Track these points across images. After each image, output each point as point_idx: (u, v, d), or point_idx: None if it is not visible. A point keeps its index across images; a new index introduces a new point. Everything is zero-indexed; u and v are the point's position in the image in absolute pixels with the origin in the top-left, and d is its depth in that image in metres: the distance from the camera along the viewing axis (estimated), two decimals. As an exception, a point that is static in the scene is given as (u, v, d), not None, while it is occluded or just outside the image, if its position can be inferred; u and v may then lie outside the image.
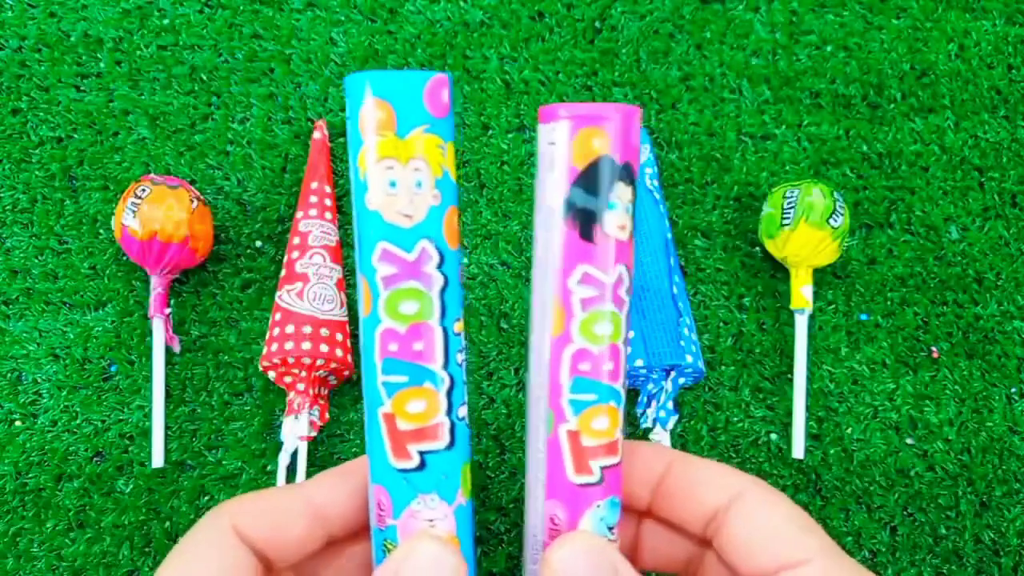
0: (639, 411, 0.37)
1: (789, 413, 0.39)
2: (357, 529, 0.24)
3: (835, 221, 0.37)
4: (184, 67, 0.43)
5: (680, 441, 0.39)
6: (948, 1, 0.44)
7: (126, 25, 0.43)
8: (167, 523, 0.38)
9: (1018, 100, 0.43)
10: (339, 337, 0.37)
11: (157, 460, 0.38)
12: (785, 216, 0.37)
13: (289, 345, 0.36)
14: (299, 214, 0.39)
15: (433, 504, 0.22)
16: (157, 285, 0.38)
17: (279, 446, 0.38)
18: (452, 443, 0.22)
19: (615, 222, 0.21)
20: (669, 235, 0.39)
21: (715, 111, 0.42)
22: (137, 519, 0.38)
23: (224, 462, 0.38)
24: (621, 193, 0.21)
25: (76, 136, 0.42)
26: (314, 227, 0.39)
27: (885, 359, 0.40)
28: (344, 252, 0.40)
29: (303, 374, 0.37)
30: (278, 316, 0.37)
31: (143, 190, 0.37)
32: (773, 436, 0.39)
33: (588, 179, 0.21)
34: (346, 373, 0.38)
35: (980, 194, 0.42)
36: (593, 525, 0.22)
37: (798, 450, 0.38)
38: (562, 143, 0.21)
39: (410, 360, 0.21)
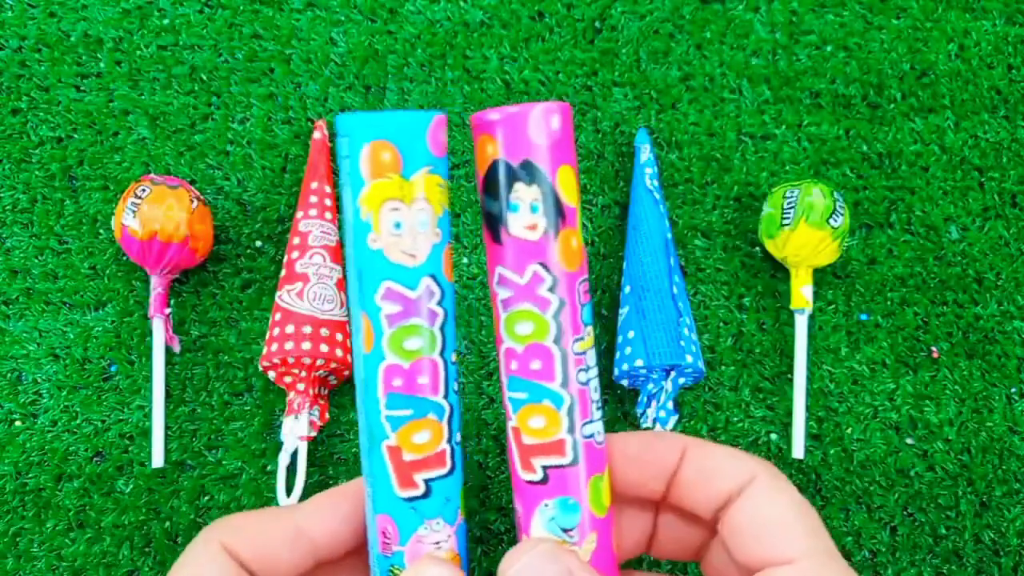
0: (639, 411, 0.37)
1: (789, 413, 0.39)
2: (348, 552, 0.24)
3: (835, 221, 0.37)
4: (184, 67, 0.43)
5: (680, 441, 0.39)
6: (948, 1, 0.44)
7: (126, 25, 0.43)
8: (167, 523, 0.38)
9: (1018, 100, 0.43)
10: (339, 337, 0.37)
11: (157, 460, 0.38)
12: (785, 216, 0.37)
13: (289, 345, 0.36)
14: (299, 214, 0.39)
15: (438, 528, 0.22)
16: (157, 285, 0.38)
17: (279, 446, 0.38)
18: (453, 468, 0.22)
19: (520, 223, 0.22)
20: (669, 235, 0.39)
21: (715, 111, 0.42)
22: (137, 519, 0.38)
23: (224, 462, 0.38)
24: (522, 193, 0.22)
25: (76, 136, 0.42)
26: (314, 227, 0.39)
27: (885, 359, 0.40)
28: (344, 252, 0.40)
29: (303, 374, 0.37)
30: (278, 316, 0.37)
31: (143, 190, 0.37)
32: (773, 436, 0.39)
33: (488, 184, 0.22)
34: (346, 373, 0.38)
35: (980, 194, 0.42)
36: (543, 523, 0.23)
37: (798, 450, 0.38)
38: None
39: (414, 394, 0.22)
